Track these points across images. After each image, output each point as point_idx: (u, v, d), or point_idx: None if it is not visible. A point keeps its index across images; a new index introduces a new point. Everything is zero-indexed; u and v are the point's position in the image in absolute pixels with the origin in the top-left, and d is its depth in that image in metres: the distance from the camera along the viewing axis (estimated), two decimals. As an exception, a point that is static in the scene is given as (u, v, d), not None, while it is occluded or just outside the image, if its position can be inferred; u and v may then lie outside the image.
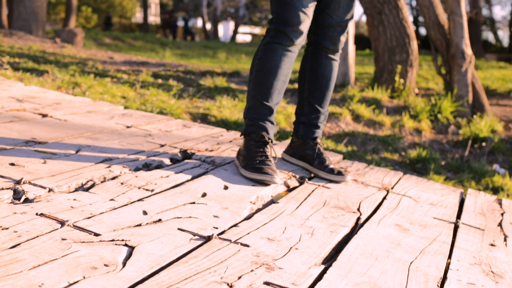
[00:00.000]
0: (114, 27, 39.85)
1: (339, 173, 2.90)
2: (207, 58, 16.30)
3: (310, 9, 2.66)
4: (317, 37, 2.87)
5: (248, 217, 2.19)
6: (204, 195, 2.31)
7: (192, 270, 1.62)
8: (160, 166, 2.63)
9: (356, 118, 7.01)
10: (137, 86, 6.43)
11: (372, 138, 6.47)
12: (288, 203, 2.42)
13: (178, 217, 2.02)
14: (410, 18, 8.30)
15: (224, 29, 57.61)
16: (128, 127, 3.30)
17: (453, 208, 2.88)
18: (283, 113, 6.42)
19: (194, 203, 2.20)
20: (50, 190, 2.07)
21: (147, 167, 2.58)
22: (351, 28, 8.76)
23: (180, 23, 44.30)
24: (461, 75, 7.76)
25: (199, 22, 55.63)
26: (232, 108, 6.28)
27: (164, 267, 1.62)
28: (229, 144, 3.24)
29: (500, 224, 2.77)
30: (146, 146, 2.89)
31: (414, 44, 8.39)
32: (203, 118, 5.76)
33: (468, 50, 7.77)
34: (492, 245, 2.44)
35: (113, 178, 2.32)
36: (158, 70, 8.50)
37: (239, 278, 1.63)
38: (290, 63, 2.71)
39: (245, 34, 60.59)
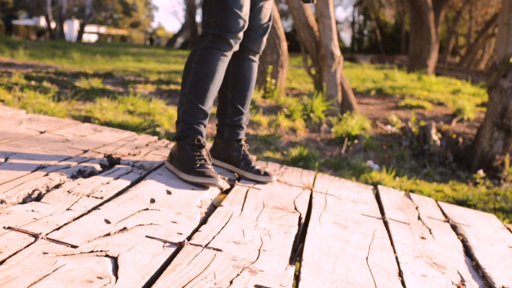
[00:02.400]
0: None
1: (266, 174, 2.94)
2: (62, 59, 15.78)
3: (247, 15, 2.69)
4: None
5: (203, 221, 2.18)
6: (152, 201, 2.27)
7: (184, 277, 1.61)
8: (93, 172, 2.55)
9: (235, 118, 7.08)
10: (16, 89, 6.15)
11: (254, 137, 6.58)
12: (232, 206, 2.43)
13: (140, 225, 1.98)
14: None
15: (69, 28, 56.11)
16: (41, 132, 3.16)
17: (374, 204, 3.01)
18: (165, 115, 6.38)
19: (148, 209, 2.16)
20: (2, 201, 1.96)
21: (82, 173, 2.50)
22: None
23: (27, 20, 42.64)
24: (330, 75, 8.04)
25: (42, 21, 53.83)
26: (114, 110, 6.16)
27: (155, 276, 1.60)
28: (148, 148, 3.20)
29: (420, 218, 2.92)
30: (71, 152, 2.79)
31: (284, 45, 8.60)
32: (86, 121, 5.60)
33: (337, 51, 8.07)
34: (422, 238, 2.58)
35: (57, 187, 2.23)
36: (28, 72, 8.15)
37: (231, 283, 1.64)
38: (225, 68, 2.73)
39: (91, 34, 59.34)
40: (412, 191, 5.88)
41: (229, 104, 2.98)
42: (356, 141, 7.24)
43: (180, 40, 48.96)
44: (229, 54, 2.72)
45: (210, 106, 2.74)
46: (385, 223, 2.69)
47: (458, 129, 8.59)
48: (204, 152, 2.71)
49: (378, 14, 39.41)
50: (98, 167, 2.63)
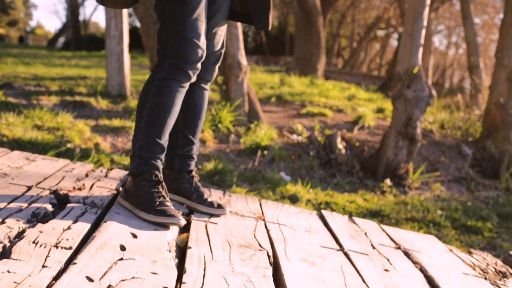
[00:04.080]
0: None
1: (219, 206, 2.86)
2: None
3: (205, 44, 2.58)
4: (193, 68, 2.79)
5: (180, 270, 2.08)
6: (123, 248, 2.14)
7: None
8: (47, 214, 2.38)
9: (145, 130, 6.91)
10: None
11: (167, 151, 6.43)
12: (200, 248, 2.33)
13: (123, 280, 1.86)
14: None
15: None
16: (-25, 166, 2.94)
17: (326, 233, 2.99)
18: (74, 129, 6.13)
19: (122, 259, 2.03)
20: (-30, 262, 1.78)
21: (36, 216, 2.33)
22: (125, 37, 8.62)
23: None
24: (238, 85, 8.00)
25: None
26: (21, 125, 5.86)
27: None
28: (90, 179, 3.04)
29: (374, 246, 2.93)
30: (15, 190, 2.60)
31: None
32: (-7, 138, 5.30)
33: (244, 61, 8.03)
34: (386, 270, 2.58)
35: (19, 237, 2.05)
36: None
37: None
38: (182, 99, 2.62)
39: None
40: (327, 203, 5.94)
41: (180, 134, 2.88)
42: (266, 152, 7.24)
43: (61, 40, 47.58)
44: (187, 85, 2.62)
45: (166, 140, 2.62)
46: (346, 255, 2.67)
47: (361, 137, 8.77)
48: (161, 188, 2.59)
49: (263, 16, 39.74)
50: (49, 207, 2.46)
